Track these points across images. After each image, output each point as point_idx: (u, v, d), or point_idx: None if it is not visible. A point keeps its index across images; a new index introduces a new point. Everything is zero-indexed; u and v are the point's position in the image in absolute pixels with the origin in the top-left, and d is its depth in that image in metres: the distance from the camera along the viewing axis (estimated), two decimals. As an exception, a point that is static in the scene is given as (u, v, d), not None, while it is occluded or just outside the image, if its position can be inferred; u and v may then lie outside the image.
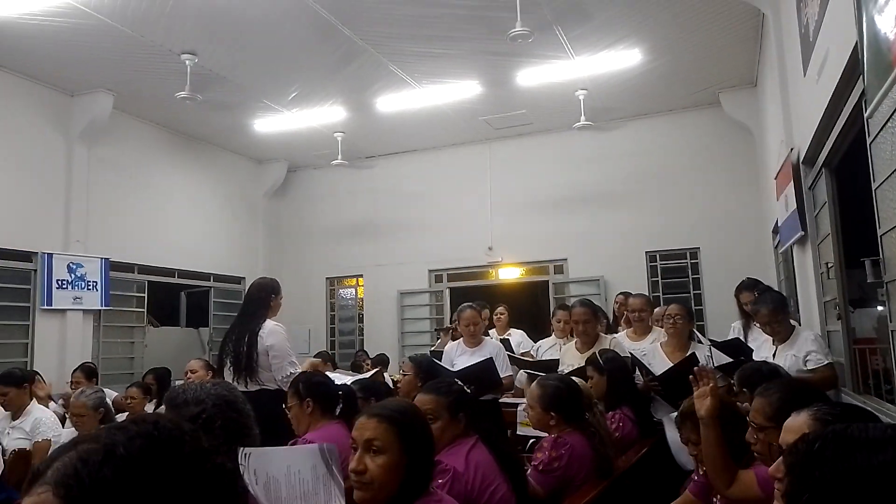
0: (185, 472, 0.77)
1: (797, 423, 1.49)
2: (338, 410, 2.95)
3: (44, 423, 4.33)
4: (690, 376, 2.48)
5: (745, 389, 2.44)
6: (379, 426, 1.75)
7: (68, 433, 4.20)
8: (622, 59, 6.53)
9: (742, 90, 7.33)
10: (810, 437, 0.88)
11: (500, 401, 4.21)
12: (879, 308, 6.39)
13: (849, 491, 0.79)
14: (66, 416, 4.45)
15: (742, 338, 4.36)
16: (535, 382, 2.91)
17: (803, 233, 4.46)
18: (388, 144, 9.10)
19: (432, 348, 5.27)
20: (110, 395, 4.70)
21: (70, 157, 6.98)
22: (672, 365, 3.76)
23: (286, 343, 3.90)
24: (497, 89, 7.23)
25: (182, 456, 0.78)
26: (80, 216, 7.02)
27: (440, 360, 4.37)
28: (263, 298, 3.99)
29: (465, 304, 4.63)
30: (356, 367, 7.32)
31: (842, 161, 3.93)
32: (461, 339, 4.59)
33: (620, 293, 5.94)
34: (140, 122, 7.91)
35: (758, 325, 4.10)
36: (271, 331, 3.89)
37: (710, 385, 2.39)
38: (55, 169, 6.87)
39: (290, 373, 3.80)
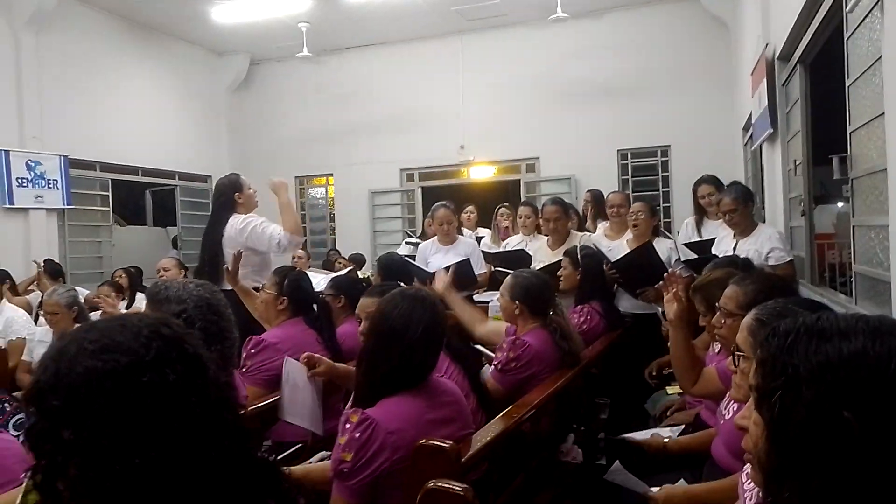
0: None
1: (745, 323, 1.53)
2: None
3: (17, 322, 4.36)
4: (661, 282, 2.54)
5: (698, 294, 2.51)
6: None
7: (42, 331, 4.22)
8: (601, -55, 6.25)
9: (722, -18, 7.12)
10: (781, 330, 0.89)
11: (475, 297, 4.30)
12: (839, 205, 6.59)
13: (822, 382, 0.81)
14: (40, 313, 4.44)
15: (696, 233, 4.48)
16: (510, 274, 2.98)
17: (772, 130, 4.48)
18: (356, 37, 8.70)
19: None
20: (81, 293, 4.69)
21: (18, 46, 6.54)
22: (628, 252, 3.87)
23: (256, 227, 3.68)
24: (470, -23, 6.90)
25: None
26: (34, 110, 6.67)
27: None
28: (224, 202, 3.81)
29: (439, 202, 4.70)
30: (328, 266, 7.36)
31: (816, 58, 3.91)
32: (435, 237, 4.65)
33: (588, 190, 5.97)
34: (91, 10, 7.40)
35: (713, 218, 4.21)
36: (233, 227, 3.68)
37: (676, 290, 2.43)
38: (2, 60, 6.46)
39: (279, 240, 3.65)
